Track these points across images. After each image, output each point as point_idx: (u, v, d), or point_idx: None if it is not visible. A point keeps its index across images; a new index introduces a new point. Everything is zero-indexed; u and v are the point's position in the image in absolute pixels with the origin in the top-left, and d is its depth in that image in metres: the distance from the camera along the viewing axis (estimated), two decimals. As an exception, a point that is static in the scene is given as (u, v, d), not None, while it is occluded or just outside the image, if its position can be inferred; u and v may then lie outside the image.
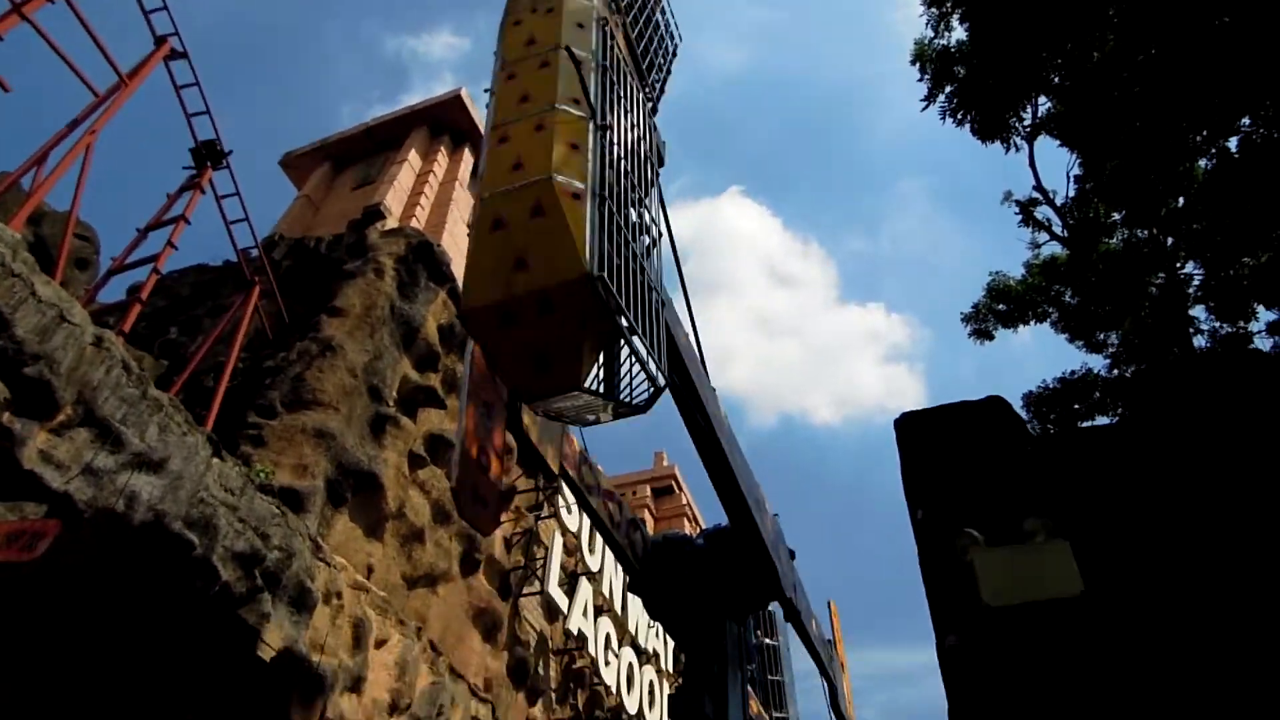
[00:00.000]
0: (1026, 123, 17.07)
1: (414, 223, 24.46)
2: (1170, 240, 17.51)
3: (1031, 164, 18.00)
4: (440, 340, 21.47)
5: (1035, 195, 18.53)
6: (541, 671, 23.74)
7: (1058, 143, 17.06)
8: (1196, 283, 17.65)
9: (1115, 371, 18.54)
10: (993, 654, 3.85)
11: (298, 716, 10.91)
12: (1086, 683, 3.73)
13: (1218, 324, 17.41)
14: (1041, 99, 16.87)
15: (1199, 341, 17.19)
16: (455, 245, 26.28)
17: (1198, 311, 17.71)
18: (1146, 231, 17.75)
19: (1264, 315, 16.59)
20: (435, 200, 27.00)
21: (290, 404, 17.05)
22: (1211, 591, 3.78)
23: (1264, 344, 15.80)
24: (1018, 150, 17.24)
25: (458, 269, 23.29)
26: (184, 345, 19.99)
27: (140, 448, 13.27)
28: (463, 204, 28.41)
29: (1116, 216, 18.09)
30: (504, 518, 23.91)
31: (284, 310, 19.62)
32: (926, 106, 16.63)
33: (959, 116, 16.48)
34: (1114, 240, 18.48)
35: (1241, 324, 17.03)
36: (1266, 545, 3.93)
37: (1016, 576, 3.66)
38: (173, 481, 13.39)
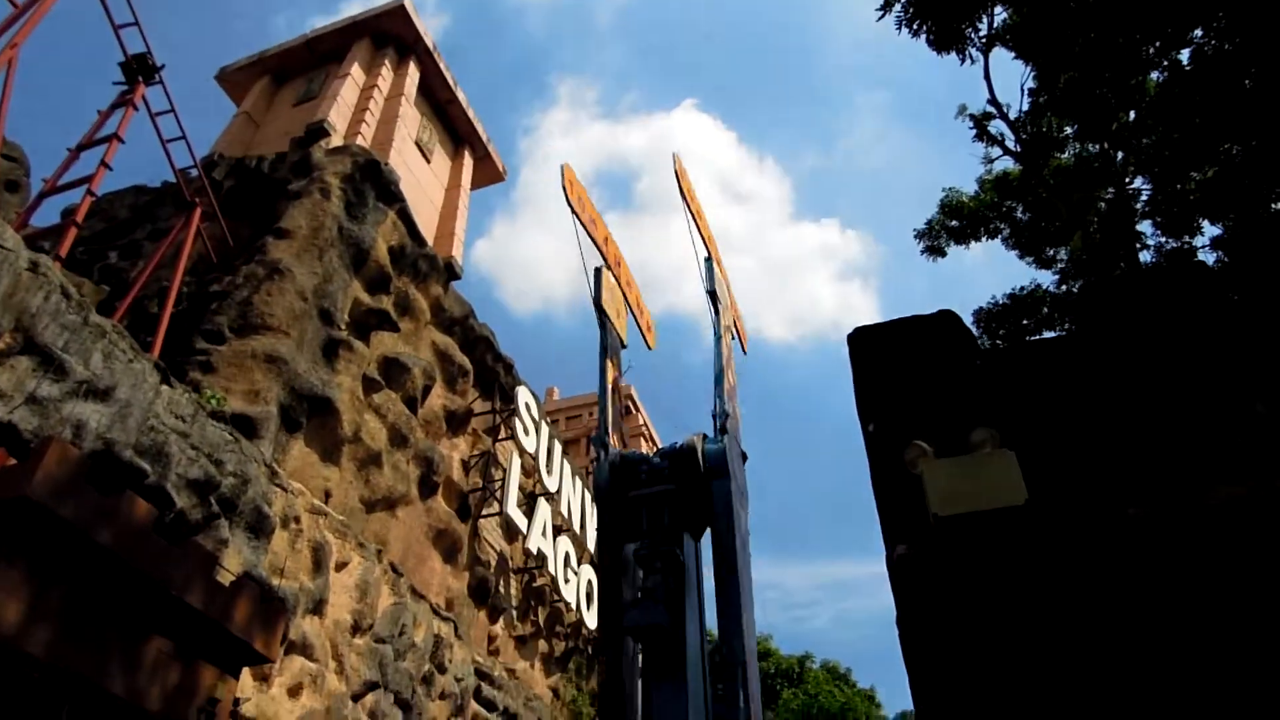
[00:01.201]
0: (983, 33, 16.89)
1: (359, 140, 23.72)
2: (1120, 155, 17.64)
3: (986, 77, 17.89)
4: (391, 262, 21.08)
5: (990, 109, 18.47)
6: (502, 590, 24.14)
7: (1013, 55, 16.95)
8: (1145, 198, 17.88)
9: (1064, 287, 18.85)
10: (940, 562, 3.96)
11: (259, 640, 10.99)
12: (1031, 589, 3.85)
13: (1164, 239, 17.71)
14: (998, 9, 16.68)
15: (1145, 257, 17.51)
16: (403, 164, 25.60)
17: (1145, 227, 17.99)
18: (1097, 146, 17.86)
19: (1209, 230, 16.92)
20: (381, 117, 26.15)
21: (239, 329, 16.71)
22: (1153, 499, 3.90)
23: (1208, 258, 16.15)
24: (973, 62, 17.09)
25: (406, 188, 22.75)
26: (125, 270, 19.39)
27: (85, 375, 12.97)
28: (409, 120, 27.58)
29: (1069, 131, 18.16)
30: (462, 439, 23.95)
31: (228, 233, 19.05)
32: (882, 16, 16.31)
33: (915, 26, 16.23)
34: (1065, 155, 18.58)
35: (1187, 239, 17.34)
36: (1206, 453, 4.05)
37: (964, 487, 3.74)
38: (121, 410, 13.14)
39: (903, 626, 4.68)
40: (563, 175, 14.02)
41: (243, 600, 10.80)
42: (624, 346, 14.20)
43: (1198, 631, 4.66)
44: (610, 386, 11.31)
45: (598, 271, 13.45)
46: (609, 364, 12.19)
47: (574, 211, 13.34)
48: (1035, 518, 3.78)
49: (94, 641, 8.93)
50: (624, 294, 14.95)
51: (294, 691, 14.97)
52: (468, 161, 30.45)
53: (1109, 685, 4.65)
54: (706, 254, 14.97)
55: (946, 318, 4.90)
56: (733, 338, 12.29)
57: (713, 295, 12.01)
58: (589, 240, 13.34)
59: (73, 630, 8.68)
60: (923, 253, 20.37)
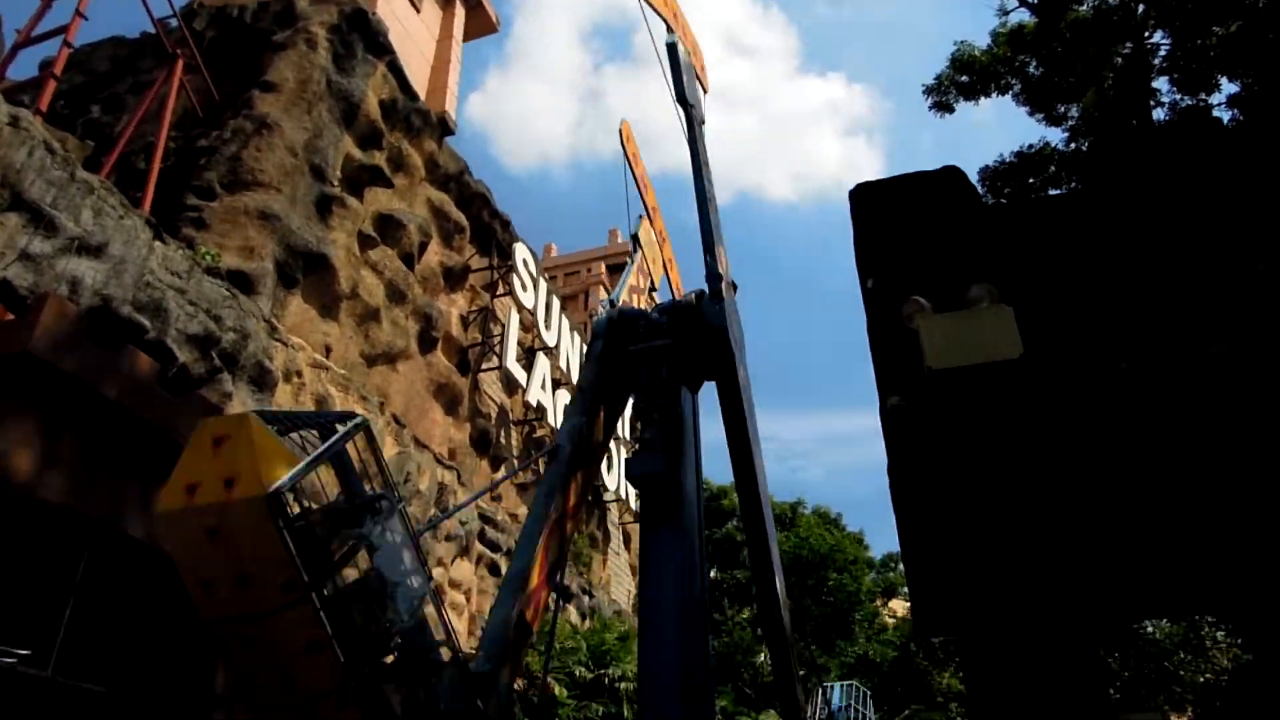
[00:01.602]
0: (1003, -126, 15.88)
1: (346, -15, 22.59)
2: (1141, 7, 16.88)
3: (1006, -80, 16.93)
4: (383, 116, 20.50)
5: (1007, -44, 17.57)
6: (503, 440, 24.74)
7: (1036, -105, 15.99)
8: (1163, 53, 17.21)
9: (1073, 146, 18.39)
10: (933, 414, 4.03)
11: (268, 489, 11.29)
12: (1020, 441, 3.94)
13: (1180, 96, 17.15)
14: None
15: (1158, 115, 17.01)
16: (391, 14, 24.49)
17: (1161, 84, 17.40)
18: (1117, -3, 17.09)
19: (1227, 88, 16.39)
20: (368, -41, 24.82)
21: (229, 185, 16.42)
22: (1147, 355, 3.93)
23: (1224, 116, 15.70)
24: (993, -95, 16.14)
25: (396, 40, 21.86)
26: (108, 125, 18.86)
27: (76, 232, 12.82)
28: (398, -36, 26.21)
29: (1089, -20, 17.32)
30: (460, 295, 23.97)
31: (212, 86, 18.41)
32: None
33: None
34: (1084, 7, 17.77)
35: (1203, 96, 16.80)
36: (1204, 311, 4.07)
37: (959, 340, 3.77)
38: (115, 266, 13.07)
39: (893, 474, 4.82)
40: (621, 134, 14.46)
41: (249, 452, 11.06)
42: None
43: (1183, 484, 4.81)
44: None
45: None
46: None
47: (630, 168, 13.78)
48: (1029, 372, 3.83)
49: (108, 489, 9.20)
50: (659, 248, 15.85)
51: (304, 538, 15.55)
52: (459, 11, 29.10)
53: (1094, 534, 4.83)
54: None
55: (950, 174, 4.82)
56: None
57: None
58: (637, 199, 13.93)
59: (87, 478, 8.93)
60: (931, 109, 19.75)
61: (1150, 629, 17.74)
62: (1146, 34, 17.13)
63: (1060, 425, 4.18)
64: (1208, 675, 16.58)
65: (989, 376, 3.88)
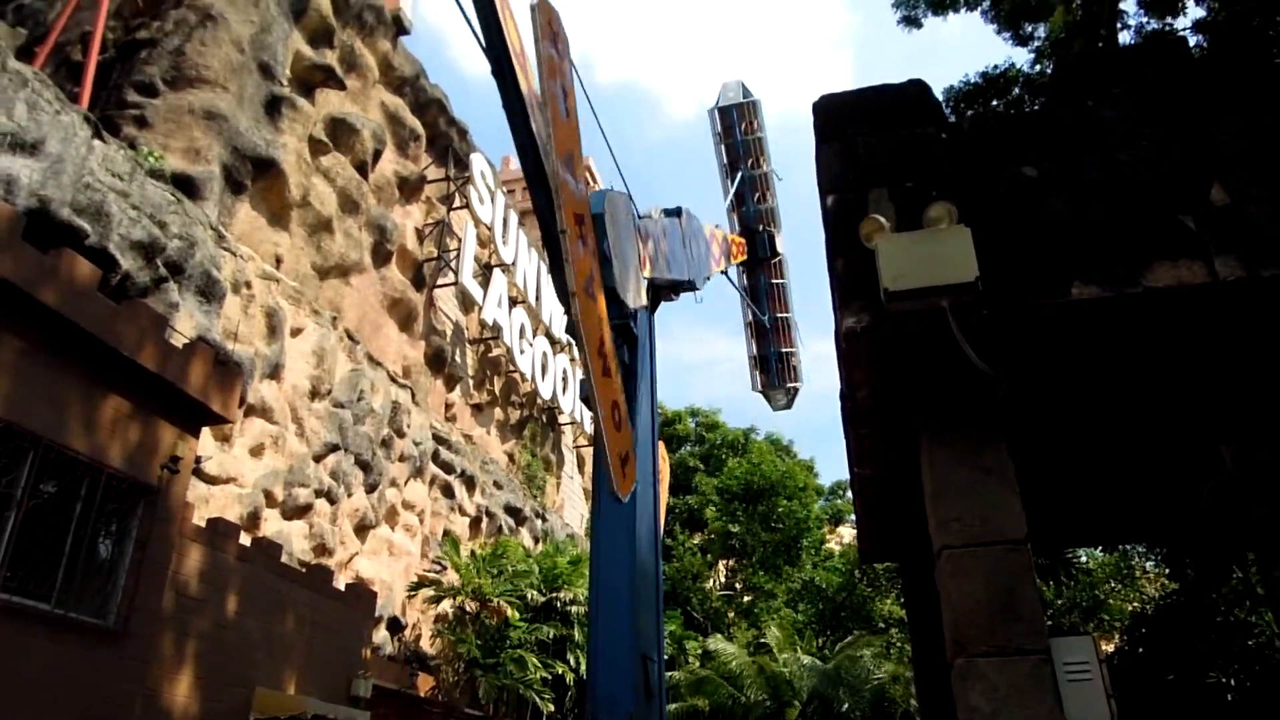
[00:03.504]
0: None
1: None
2: (1115, -78, 16.56)
3: None
4: (334, 13, 19.62)
5: None
6: (459, 359, 24.58)
7: None
8: (1133, -28, 16.97)
9: (1038, 68, 18.20)
10: (887, 336, 4.01)
11: (217, 401, 11.12)
12: (971, 368, 3.94)
13: (1146, 19, 16.99)
14: None
15: (1125, 38, 16.86)
16: (345, -99, 23.25)
17: (1128, 5, 17.20)
18: (1092, -88, 16.71)
19: (1194, 12, 16.25)
20: None
21: (173, 81, 15.70)
22: (1098, 279, 3.92)
23: (1191, 40, 15.58)
24: None
25: (349, -70, 20.76)
26: (41, 12, 17.81)
27: (9, 128, 12.20)
28: None
29: (1065, -108, 16.88)
30: (415, 207, 23.44)
31: (152, -27, 17.42)
32: None
33: None
34: (1058, -78, 17.39)
35: (1170, 20, 16.66)
36: (1157, 236, 4.06)
37: (916, 261, 3.73)
38: (53, 165, 12.50)
39: (845, 397, 4.83)
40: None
41: (197, 362, 10.82)
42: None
43: (1126, 409, 4.88)
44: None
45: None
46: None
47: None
48: (985, 295, 3.81)
49: (51, 400, 8.95)
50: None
51: (255, 451, 15.44)
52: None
53: (1038, 448, 4.91)
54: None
55: (915, 88, 4.71)
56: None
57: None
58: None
59: (28, 388, 8.67)
60: (899, 23, 19.35)
61: (1084, 558, 18.44)
62: (1118, -49, 16.86)
63: (1010, 352, 4.19)
64: (1136, 604, 17.30)
65: (944, 299, 3.85)
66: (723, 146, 21.20)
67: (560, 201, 6.61)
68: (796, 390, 21.69)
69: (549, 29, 7.23)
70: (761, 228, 20.49)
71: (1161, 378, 4.52)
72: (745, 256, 18.79)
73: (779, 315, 21.04)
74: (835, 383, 4.70)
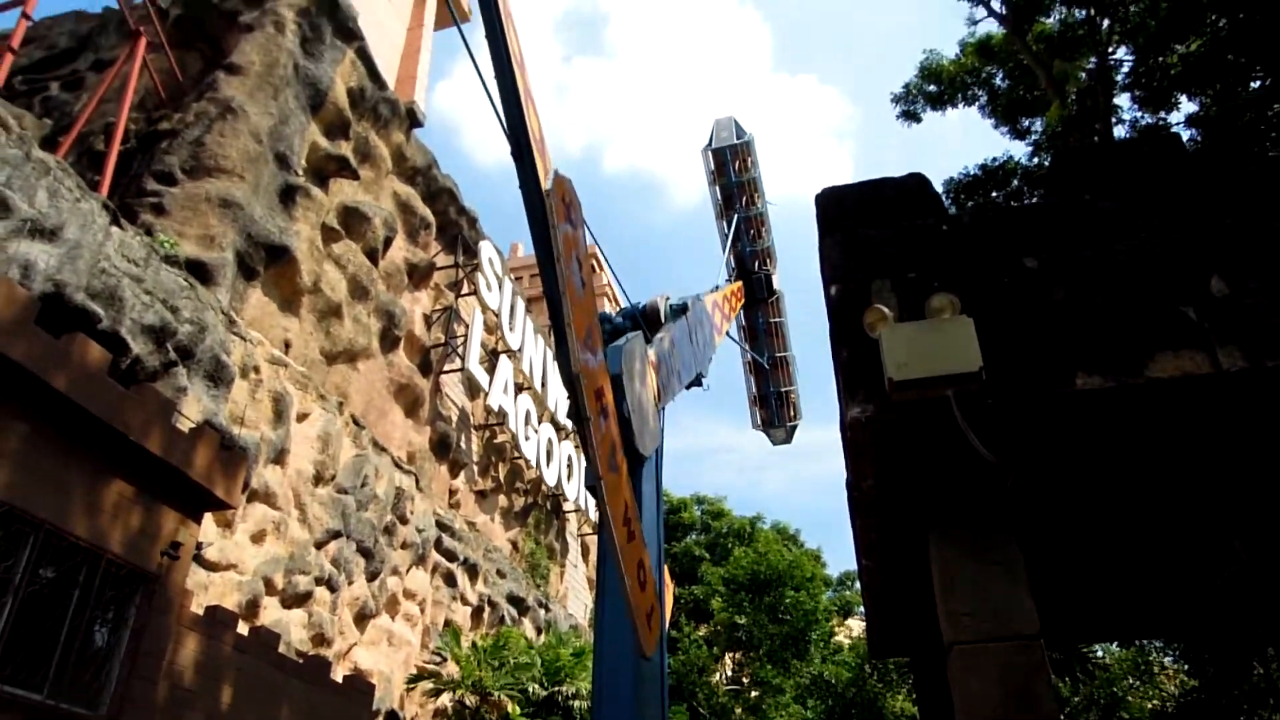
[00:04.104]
0: (975, -112, 16.05)
1: (316, -26, 22.28)
2: (1105, 22, 17.14)
3: (977, -67, 17.12)
4: (350, 106, 20.24)
5: (978, -32, 17.75)
6: (464, 445, 24.52)
7: (1006, -90, 16.18)
8: (1125, 69, 17.50)
9: (1036, 160, 18.63)
10: (892, 425, 4.01)
11: (221, 486, 11.08)
12: (979, 460, 3.93)
13: (1141, 114, 17.46)
14: None
15: (1120, 132, 17.29)
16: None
17: (1123, 100, 17.69)
18: (1084, 12, 17.32)
19: (1186, 107, 16.65)
20: (339, -51, 24.52)
21: (191, 170, 16.11)
22: (1102, 369, 3.94)
23: (1184, 134, 15.98)
24: (965, -83, 16.30)
25: (366, 27, 21.58)
26: (68, 103, 18.44)
27: (30, 213, 12.49)
28: (370, -46, 25.91)
29: (1056, -7, 17.55)
30: (424, 293, 23.72)
31: (175, 66, 18.06)
32: None
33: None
34: (1050, 20, 18.02)
35: (1164, 115, 17.10)
36: (1159, 326, 4.08)
37: (920, 352, 3.75)
38: (70, 250, 12.75)
39: (851, 487, 4.79)
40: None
41: (203, 447, 10.82)
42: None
43: (1139, 500, 4.83)
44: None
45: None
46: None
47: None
48: (989, 385, 3.82)
49: (54, 483, 8.93)
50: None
51: (257, 538, 15.28)
52: None
53: (1049, 558, 4.84)
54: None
55: (915, 181, 4.81)
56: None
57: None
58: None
59: (32, 472, 8.66)
60: (899, 118, 19.94)
61: (1100, 654, 17.98)
62: (1110, 49, 17.41)
63: (1017, 443, 4.18)
64: (1155, 701, 16.82)
65: (949, 389, 3.86)
66: (716, 187, 21.26)
67: (581, 385, 6.73)
68: (795, 427, 21.54)
69: (563, 206, 7.43)
70: (758, 266, 20.49)
71: (1169, 468, 4.48)
72: (743, 301, 18.76)
73: (778, 354, 20.98)
74: (841, 470, 4.67)
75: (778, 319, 20.93)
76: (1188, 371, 3.78)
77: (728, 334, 17.14)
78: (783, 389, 21.24)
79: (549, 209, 7.55)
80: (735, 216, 20.34)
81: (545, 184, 8.46)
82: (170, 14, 19.63)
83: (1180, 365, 3.93)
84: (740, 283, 18.79)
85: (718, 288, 15.24)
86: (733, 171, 20.98)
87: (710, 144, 21.33)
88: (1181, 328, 4.07)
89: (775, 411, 21.24)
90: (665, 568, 10.45)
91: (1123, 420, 4.03)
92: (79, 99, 18.35)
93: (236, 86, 17.26)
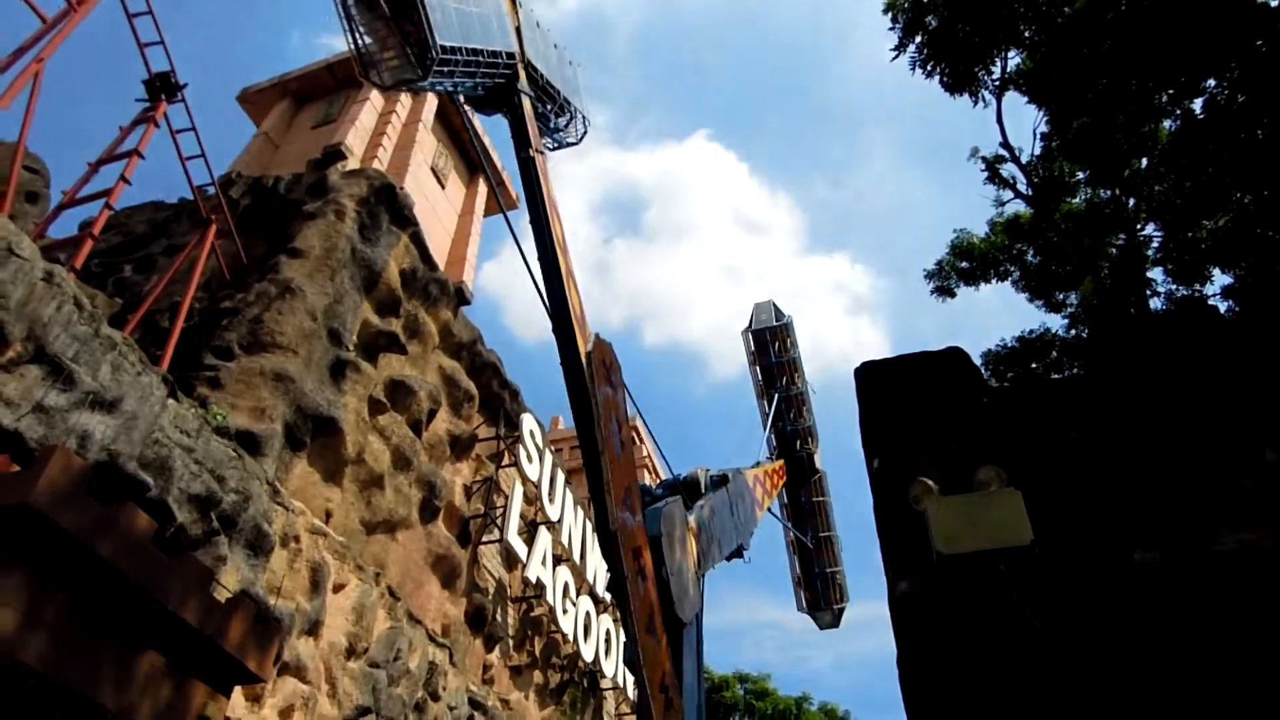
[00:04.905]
0: (995, 77, 16.99)
1: (375, 164, 23.93)
2: (1132, 201, 17.64)
3: (999, 120, 17.98)
4: (402, 285, 21.18)
5: (1001, 152, 18.52)
6: (500, 618, 23.94)
7: (1026, 99, 17.05)
8: (1155, 244, 17.85)
9: (1073, 332, 18.78)
10: (943, 601, 3.90)
11: (253, 659, 10.90)
12: (1034, 631, 3.79)
13: (1174, 286, 17.65)
14: (1011, 53, 16.80)
15: (1156, 304, 17.47)
16: (418, 188, 25.81)
17: (1155, 274, 17.95)
18: (1109, 192, 17.88)
19: (1219, 279, 16.85)
20: (397, 142, 26.42)
21: (248, 346, 16.77)
22: (1160, 544, 3.85)
23: (1220, 307, 16.08)
24: (986, 105, 17.19)
25: (420, 213, 22.90)
26: (139, 284, 19.52)
27: (93, 386, 13.01)
28: (425, 146, 27.83)
29: (1081, 176, 18.17)
30: (465, 464, 23.89)
31: (241, 250, 19.18)
32: (897, 56, 16.44)
33: (929, 68, 16.35)
34: (1077, 200, 18.60)
35: (1198, 287, 17.29)
36: (1215, 499, 4.01)
37: (968, 525, 3.69)
38: (126, 421, 13.17)
39: (903, 665, 4.61)
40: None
41: (238, 618, 10.73)
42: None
43: (1203, 679, 4.58)
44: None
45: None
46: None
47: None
48: (1040, 559, 3.74)
49: (88, 654, 8.86)
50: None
51: (285, 713, 14.82)
52: (481, 188, 30.67)
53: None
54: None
55: (954, 355, 4.88)
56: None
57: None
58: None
59: (68, 641, 8.62)
60: (932, 293, 20.36)
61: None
62: (1139, 226, 17.82)
63: (1075, 614, 4.04)
64: None
65: (1000, 562, 3.79)
66: (757, 368, 21.61)
67: (619, 543, 6.80)
68: (843, 610, 20.72)
69: (604, 368, 7.77)
70: (799, 445, 20.44)
71: (1232, 638, 4.27)
72: (785, 480, 18.64)
73: (821, 535, 20.53)
74: (892, 647, 4.53)
75: (821, 498, 20.80)
76: (1249, 544, 3.68)
77: (770, 511, 17.01)
78: (828, 569, 20.79)
79: (589, 372, 7.78)
80: (776, 396, 20.66)
81: (584, 350, 8.74)
82: (240, 204, 21.05)
83: (1241, 539, 3.83)
84: (782, 461, 18.84)
85: (759, 464, 15.27)
86: (773, 352, 21.54)
87: (750, 325, 21.99)
88: (1240, 501, 3.99)
89: (821, 593, 20.69)
90: None
91: (1182, 592, 3.90)
92: (149, 280, 19.44)
93: (296, 269, 18.22)
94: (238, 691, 12.30)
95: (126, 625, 9.33)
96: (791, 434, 20.59)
